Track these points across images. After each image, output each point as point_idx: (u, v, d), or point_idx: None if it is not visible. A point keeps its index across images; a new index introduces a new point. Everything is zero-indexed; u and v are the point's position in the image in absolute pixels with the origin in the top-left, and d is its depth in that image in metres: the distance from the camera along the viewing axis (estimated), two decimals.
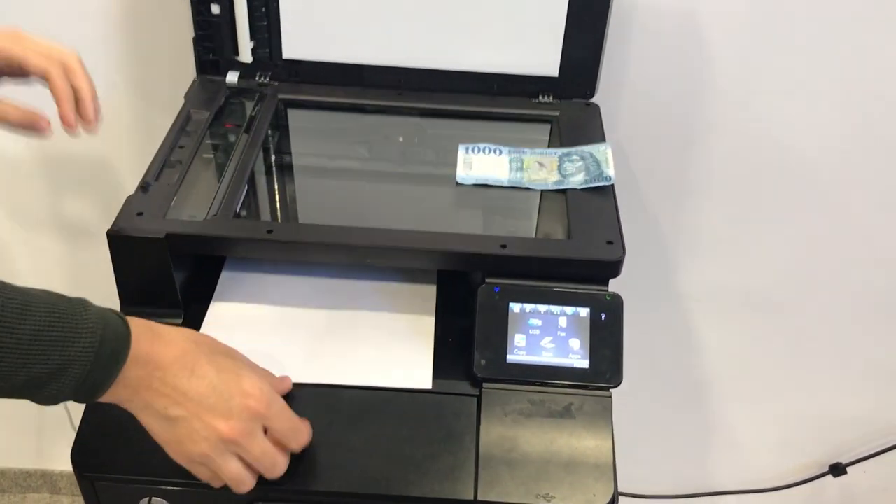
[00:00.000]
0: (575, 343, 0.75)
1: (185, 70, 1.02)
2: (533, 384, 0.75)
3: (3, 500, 1.71)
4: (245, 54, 0.99)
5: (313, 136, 1.05)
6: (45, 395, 0.58)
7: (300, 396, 0.73)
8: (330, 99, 1.01)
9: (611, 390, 0.75)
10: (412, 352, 0.78)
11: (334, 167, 1.00)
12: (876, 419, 1.46)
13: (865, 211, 1.20)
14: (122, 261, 0.77)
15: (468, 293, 0.78)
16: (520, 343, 0.75)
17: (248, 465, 0.65)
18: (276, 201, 0.93)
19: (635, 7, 1.03)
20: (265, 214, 0.90)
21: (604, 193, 0.85)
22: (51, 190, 1.25)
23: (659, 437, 1.51)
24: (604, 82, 1.02)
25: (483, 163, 0.90)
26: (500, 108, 1.00)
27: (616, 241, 0.78)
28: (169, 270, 0.76)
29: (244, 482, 0.66)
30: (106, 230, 0.75)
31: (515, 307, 0.76)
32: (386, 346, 0.79)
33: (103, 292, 0.76)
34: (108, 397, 0.61)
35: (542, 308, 0.76)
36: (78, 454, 0.72)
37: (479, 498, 0.69)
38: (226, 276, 0.85)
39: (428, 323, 0.81)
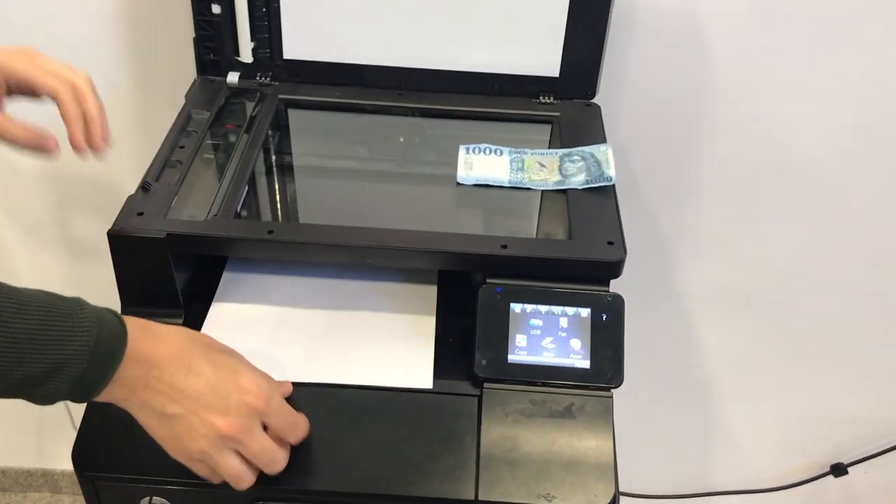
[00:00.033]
0: (576, 343, 0.75)
1: (186, 70, 1.02)
2: (534, 384, 0.75)
3: (4, 499, 1.71)
4: (246, 54, 1.00)
5: (314, 136, 1.05)
6: (41, 394, 0.58)
7: (301, 396, 0.73)
8: (330, 99, 1.01)
9: (612, 390, 0.75)
10: (413, 352, 0.78)
11: (335, 167, 1.00)
12: (877, 419, 1.46)
13: (866, 211, 1.20)
14: (123, 261, 0.77)
15: (469, 293, 0.78)
16: (521, 343, 0.75)
17: (248, 462, 0.65)
18: (276, 201, 0.93)
19: (636, 7, 1.03)
20: (266, 215, 0.90)
21: (605, 194, 0.85)
22: (51, 190, 1.25)
23: (660, 437, 1.51)
24: (604, 82, 1.02)
25: (484, 163, 0.90)
26: (501, 108, 1.00)
27: (617, 241, 0.78)
28: (170, 270, 0.76)
29: (244, 479, 0.65)
30: (106, 230, 0.75)
31: (516, 307, 0.76)
32: (387, 346, 0.79)
33: (104, 292, 0.76)
34: (104, 396, 0.61)
35: (543, 308, 0.76)
36: (79, 453, 0.72)
37: (480, 498, 0.69)
38: (227, 277, 0.85)
39: (428, 323, 0.81)
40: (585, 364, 0.75)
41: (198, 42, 0.99)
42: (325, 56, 1.00)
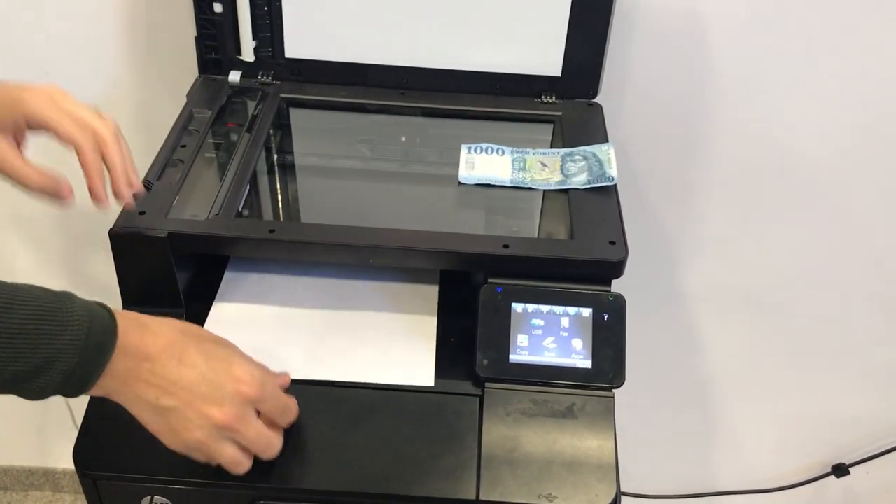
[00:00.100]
0: (577, 343, 0.75)
1: (188, 69, 1.02)
2: (535, 384, 0.75)
3: (5, 497, 1.71)
4: (247, 53, 0.99)
5: (316, 135, 1.05)
6: (32, 388, 0.58)
7: (302, 395, 0.73)
8: (332, 98, 1.01)
9: (613, 390, 0.75)
10: (414, 351, 0.78)
11: (337, 167, 1.00)
12: (879, 419, 1.45)
13: (866, 211, 1.20)
14: (124, 260, 0.77)
15: (470, 293, 0.78)
16: (522, 343, 0.75)
17: (244, 448, 0.66)
18: (278, 201, 0.93)
19: (638, 7, 1.03)
20: (267, 214, 0.90)
21: (606, 193, 0.85)
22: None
23: (661, 437, 1.51)
24: (606, 82, 1.02)
25: (485, 163, 0.90)
26: (503, 107, 1.00)
27: (618, 241, 0.77)
28: (171, 270, 0.76)
29: (241, 465, 0.66)
30: (108, 229, 0.75)
31: (518, 307, 0.76)
32: (388, 345, 0.79)
33: (105, 292, 0.76)
34: (96, 390, 0.61)
35: (545, 308, 0.76)
36: (80, 452, 0.72)
37: (482, 498, 0.69)
38: (229, 276, 0.85)
39: (430, 323, 0.81)
40: (587, 364, 0.75)
41: (199, 41, 0.99)
42: (326, 55, 1.00)
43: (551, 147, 0.94)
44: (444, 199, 0.94)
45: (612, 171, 0.86)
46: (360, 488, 0.70)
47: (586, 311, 0.76)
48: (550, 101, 1.01)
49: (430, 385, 0.75)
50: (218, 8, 0.97)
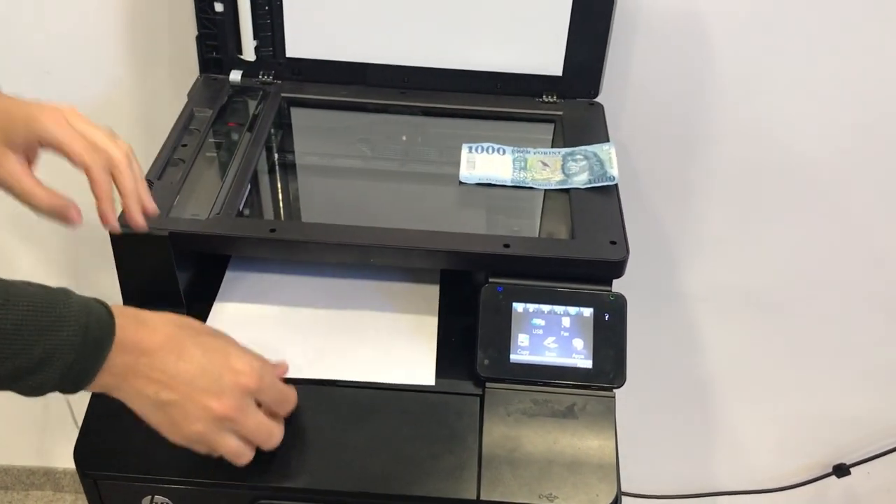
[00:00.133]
0: (578, 343, 0.75)
1: (189, 68, 1.02)
2: (536, 384, 0.75)
3: (6, 497, 1.71)
4: (248, 52, 0.99)
5: (316, 134, 1.05)
6: (30, 385, 0.58)
7: (303, 395, 0.73)
8: (333, 98, 1.01)
9: (614, 390, 0.75)
10: (415, 350, 0.78)
11: (337, 166, 1.00)
12: (880, 420, 1.45)
13: (866, 211, 1.20)
14: (125, 259, 0.77)
15: (471, 293, 0.78)
16: (523, 343, 0.75)
17: (245, 439, 0.66)
18: (279, 200, 0.92)
19: (639, 7, 1.03)
20: (268, 213, 0.90)
21: (607, 193, 0.85)
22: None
23: (662, 437, 1.51)
24: (607, 82, 1.02)
25: (486, 162, 0.90)
26: (504, 107, 1.00)
27: (619, 240, 0.77)
28: (172, 269, 0.76)
29: (243, 455, 0.66)
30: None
31: (519, 307, 0.76)
32: (389, 345, 0.79)
33: (105, 291, 0.76)
34: (95, 386, 0.61)
35: (546, 308, 0.76)
36: (80, 452, 0.72)
37: (482, 497, 0.69)
38: (230, 276, 0.85)
39: (431, 323, 0.81)
40: (587, 364, 0.74)
41: (200, 40, 0.99)
42: (327, 54, 1.00)
43: (552, 147, 0.94)
44: (445, 198, 0.94)
45: (613, 171, 0.86)
46: (360, 488, 0.70)
47: (587, 311, 0.76)
48: (551, 100, 1.01)
49: (431, 384, 0.75)
50: (219, 7, 0.97)
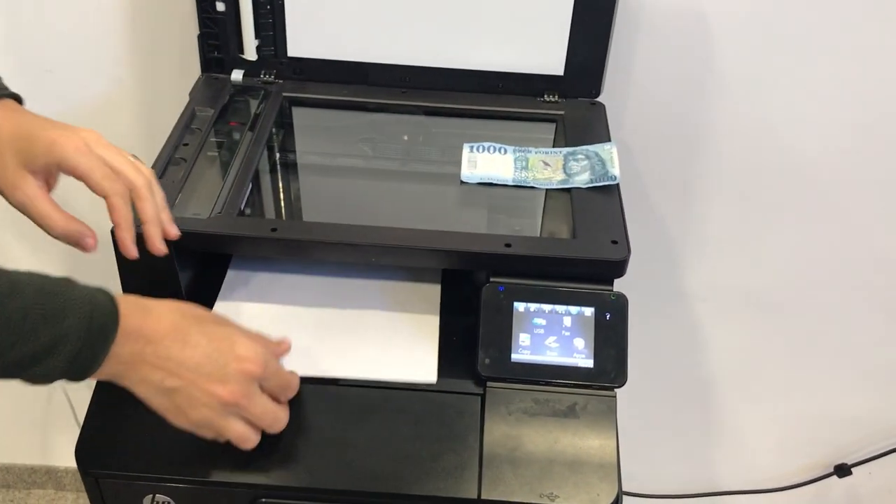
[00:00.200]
0: (579, 342, 0.75)
1: (190, 68, 1.02)
2: (537, 383, 0.75)
3: (7, 495, 1.72)
4: (250, 52, 1.00)
5: (318, 134, 1.05)
6: (37, 373, 0.59)
7: (305, 394, 0.73)
8: (334, 97, 1.01)
9: (615, 390, 0.75)
10: (417, 348, 0.78)
11: (339, 165, 1.00)
12: (882, 420, 1.45)
13: (866, 211, 1.20)
14: (127, 258, 0.76)
15: (473, 292, 0.78)
16: (524, 342, 0.75)
17: (251, 423, 0.67)
18: (280, 199, 0.93)
19: (641, 6, 1.03)
20: (269, 212, 0.90)
21: (609, 193, 0.85)
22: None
23: (663, 437, 1.51)
24: (609, 81, 1.02)
25: (488, 162, 0.90)
26: (505, 106, 1.00)
27: (621, 240, 0.77)
28: (173, 268, 0.76)
29: (249, 440, 0.67)
30: (110, 227, 0.75)
31: (520, 306, 0.76)
32: (391, 343, 0.79)
33: None
34: (101, 374, 0.62)
35: (547, 307, 0.76)
36: (82, 451, 0.72)
37: (483, 497, 0.69)
38: (231, 275, 0.85)
39: (432, 322, 0.81)
40: (589, 363, 0.74)
41: (202, 39, 0.99)
42: (329, 54, 1.00)
43: (554, 146, 0.94)
44: (447, 197, 0.94)
45: (615, 171, 0.86)
46: (361, 487, 0.70)
47: (588, 311, 0.76)
48: (553, 100, 1.01)
49: (433, 381, 0.75)
50: (221, 7, 0.97)
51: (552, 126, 0.99)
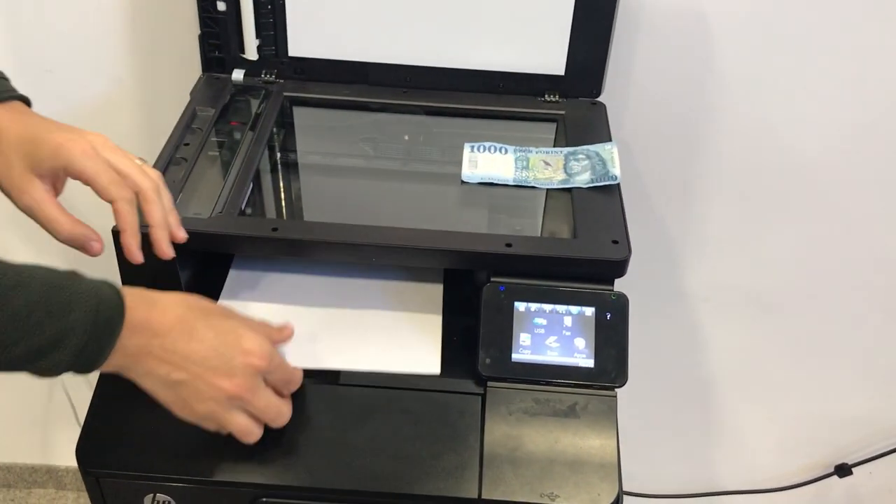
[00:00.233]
0: (580, 342, 0.75)
1: (191, 67, 1.02)
2: (538, 383, 0.75)
3: (8, 495, 1.72)
4: (251, 52, 1.00)
5: (319, 133, 1.05)
6: (44, 366, 0.59)
7: (306, 393, 0.73)
8: (335, 97, 1.01)
9: (615, 390, 0.75)
10: (420, 341, 0.78)
11: (340, 165, 1.00)
12: (882, 420, 1.45)
13: (866, 211, 1.20)
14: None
15: (473, 292, 0.78)
16: (525, 342, 0.75)
17: (254, 417, 0.68)
18: (281, 199, 0.93)
19: (642, 6, 1.03)
20: (270, 212, 0.90)
21: (609, 192, 0.85)
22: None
23: (664, 437, 1.51)
24: (610, 81, 1.02)
25: (488, 161, 0.90)
26: (506, 106, 1.00)
27: (621, 240, 0.77)
28: (174, 268, 0.76)
29: (252, 433, 0.68)
30: (111, 227, 0.75)
31: (520, 306, 0.76)
32: (392, 343, 0.79)
33: None
34: (108, 366, 0.62)
35: (548, 307, 0.76)
36: (83, 450, 0.73)
37: (484, 496, 0.69)
38: (233, 275, 0.85)
39: (434, 322, 0.81)
40: (589, 363, 0.75)
41: (203, 39, 0.99)
42: (330, 54, 1.00)
43: (554, 146, 0.94)
44: (447, 197, 0.94)
45: (616, 171, 0.86)
46: (362, 487, 0.70)
47: (589, 311, 0.76)
48: (554, 99, 1.01)
49: (436, 373, 0.75)
50: (221, 6, 0.97)
51: (553, 126, 0.99)
